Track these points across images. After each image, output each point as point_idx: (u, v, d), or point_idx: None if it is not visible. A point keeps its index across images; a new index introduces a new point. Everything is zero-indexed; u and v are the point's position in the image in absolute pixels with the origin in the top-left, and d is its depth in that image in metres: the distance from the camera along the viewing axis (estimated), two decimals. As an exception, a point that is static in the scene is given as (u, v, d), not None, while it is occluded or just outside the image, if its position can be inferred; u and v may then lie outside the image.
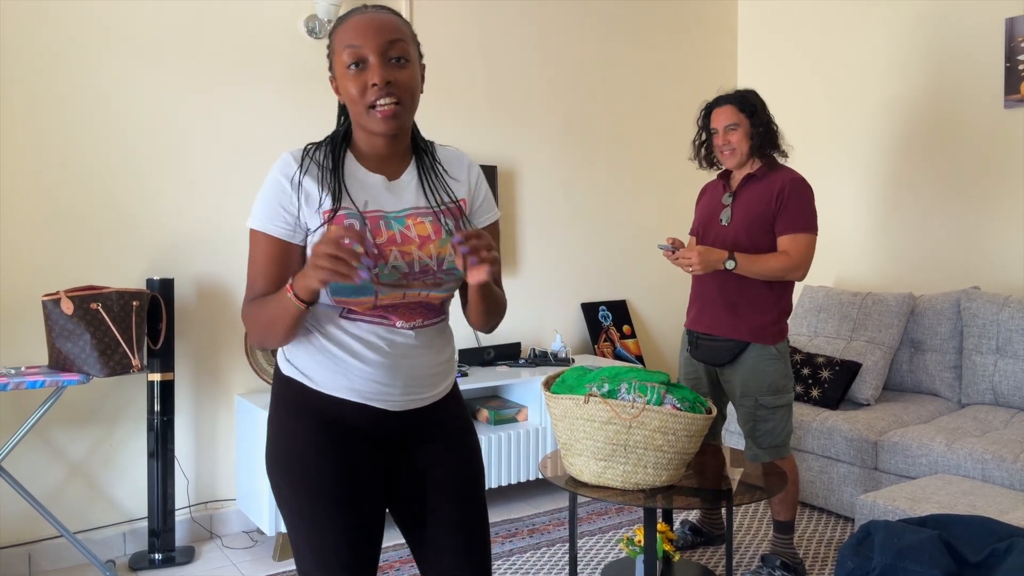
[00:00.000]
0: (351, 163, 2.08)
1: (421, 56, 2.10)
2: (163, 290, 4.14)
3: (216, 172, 4.47)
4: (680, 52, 6.41)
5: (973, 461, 4.09)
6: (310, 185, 2.01)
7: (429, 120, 5.12)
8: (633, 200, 6.18)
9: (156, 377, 4.14)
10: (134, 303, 3.90)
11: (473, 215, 2.20)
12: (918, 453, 4.30)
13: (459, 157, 2.22)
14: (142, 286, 4.19)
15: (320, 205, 2.00)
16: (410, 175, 2.11)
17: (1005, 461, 3.98)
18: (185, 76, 4.38)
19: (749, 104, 3.88)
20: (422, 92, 2.07)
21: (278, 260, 2.03)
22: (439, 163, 2.16)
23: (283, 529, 4.14)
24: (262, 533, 4.48)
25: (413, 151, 2.15)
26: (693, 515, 4.58)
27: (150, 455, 4.17)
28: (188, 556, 4.24)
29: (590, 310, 5.95)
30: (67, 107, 4.08)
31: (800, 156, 5.42)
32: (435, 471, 2.20)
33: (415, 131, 2.17)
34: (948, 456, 4.19)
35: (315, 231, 2.00)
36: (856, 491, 4.55)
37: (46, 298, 3.71)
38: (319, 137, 4.70)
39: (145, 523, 4.28)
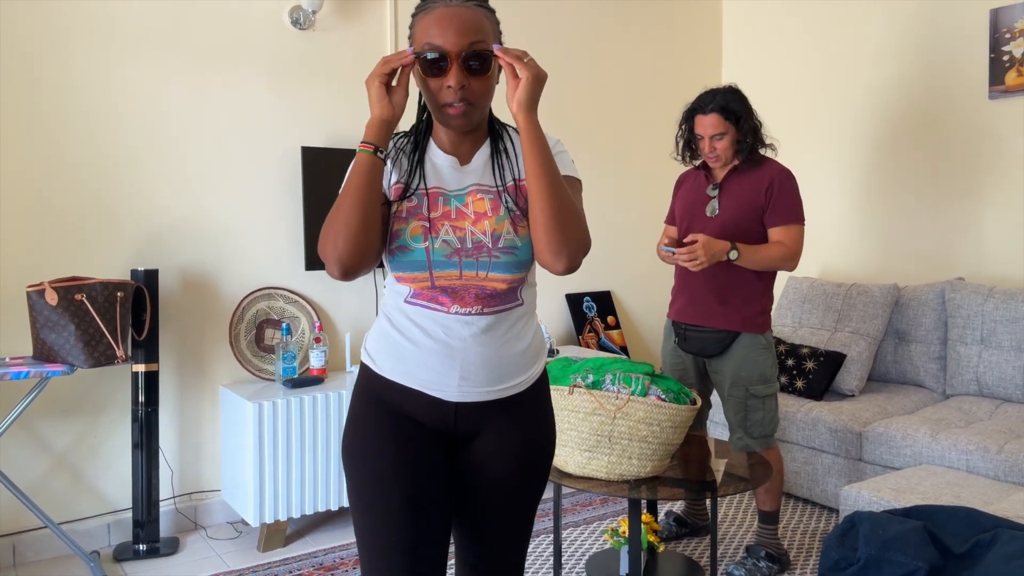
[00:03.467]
0: (430, 147, 2.13)
1: (500, 39, 2.08)
2: (147, 281, 4.13)
3: (201, 163, 4.45)
4: (665, 45, 6.40)
5: (957, 452, 4.11)
6: (390, 165, 2.10)
7: (410, 119, 5.11)
8: (617, 192, 6.18)
9: (140, 368, 4.13)
10: (118, 294, 3.89)
11: None
12: (902, 444, 4.32)
13: None
14: (126, 277, 4.17)
15: (390, 179, 2.09)
16: (480, 157, 2.12)
17: (989, 452, 4.00)
18: (169, 67, 4.35)
19: (734, 113, 3.87)
20: (497, 82, 2.06)
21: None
22: (513, 146, 2.15)
23: (268, 520, 4.15)
24: (246, 524, 4.47)
25: (489, 134, 2.16)
26: (678, 506, 4.59)
27: (134, 446, 4.16)
28: (172, 547, 4.23)
29: (574, 301, 5.95)
30: (51, 100, 4.06)
31: (785, 148, 5.43)
32: (481, 473, 2.16)
33: (491, 116, 2.17)
34: (932, 447, 4.20)
35: (389, 200, 2.08)
36: (840, 482, 4.57)
37: (30, 289, 3.69)
38: (302, 128, 4.74)
39: (129, 514, 4.28)
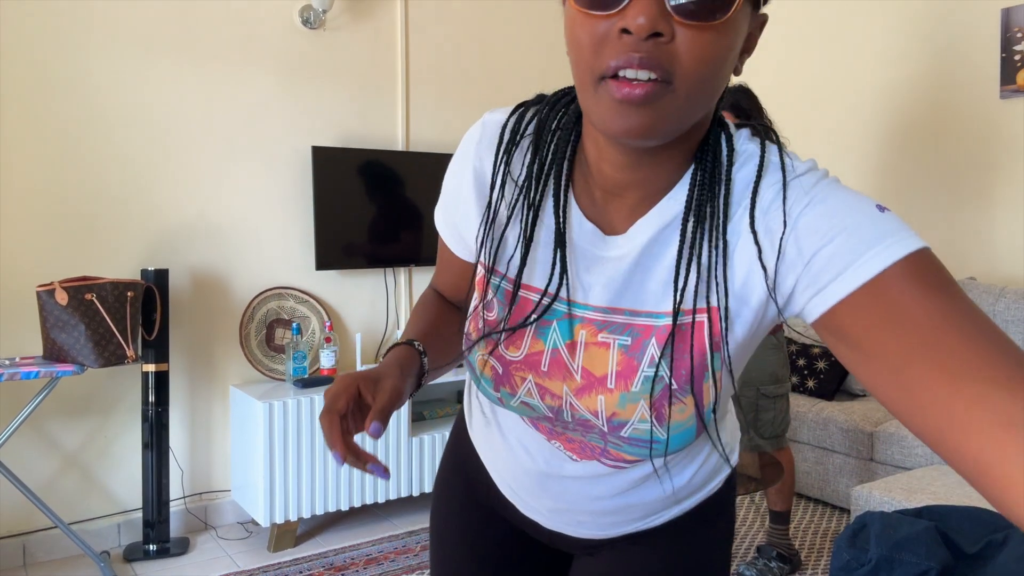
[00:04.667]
0: (561, 184, 1.11)
1: (761, 4, 1.00)
2: (158, 280, 4.13)
3: (210, 162, 4.46)
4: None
5: (968, 452, 4.09)
6: (474, 201, 1.20)
7: (421, 118, 5.11)
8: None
9: (151, 368, 4.13)
10: (129, 293, 3.89)
11: (793, 304, 1.00)
12: (914, 444, 4.30)
13: (788, 193, 1.01)
14: (136, 276, 4.17)
15: (476, 238, 1.21)
16: (643, 234, 1.08)
17: (1000, 452, 3.98)
18: (179, 66, 4.36)
19: (744, 111, 3.86)
20: (748, 52, 1.02)
21: (452, 268, 1.36)
22: (712, 212, 1.04)
23: (278, 520, 4.15)
24: (257, 524, 4.47)
25: (694, 176, 1.06)
26: (688, 506, 4.58)
27: (145, 446, 4.16)
28: (183, 547, 4.23)
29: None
30: (62, 99, 4.06)
31: (795, 147, 5.41)
32: None
33: (712, 139, 1.07)
34: (943, 447, 4.18)
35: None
36: (852, 482, 4.55)
37: (40, 289, 3.69)
38: (312, 127, 4.73)
39: (140, 514, 4.28)
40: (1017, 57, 4.91)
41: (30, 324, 3.98)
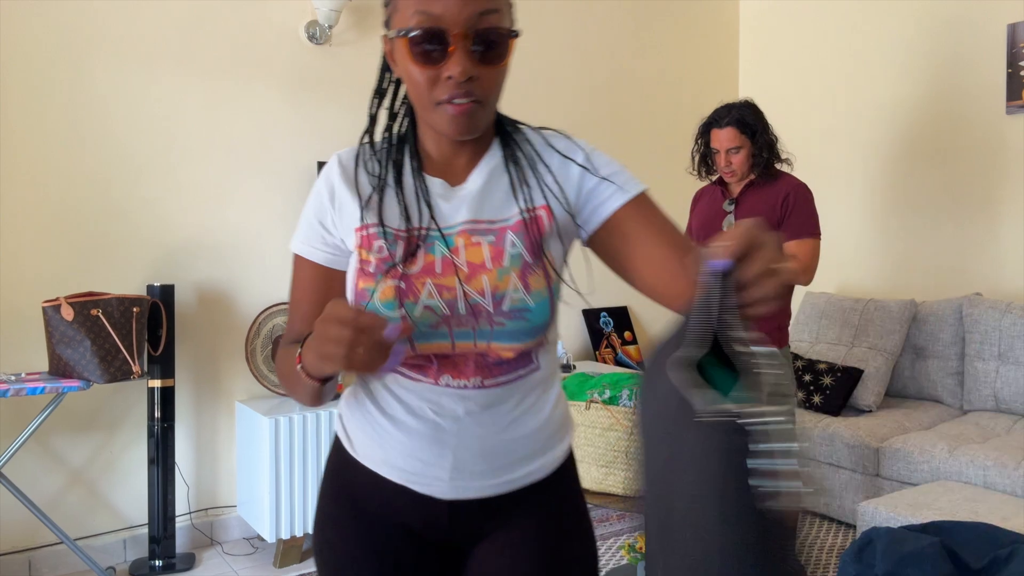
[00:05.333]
0: (407, 162, 1.59)
1: (513, 24, 1.51)
2: (163, 296, 4.14)
3: (217, 178, 4.47)
4: (681, 56, 6.40)
5: (975, 468, 4.08)
6: (347, 196, 1.57)
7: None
8: (634, 206, 6.16)
9: (156, 383, 4.14)
10: (134, 309, 3.90)
11: (580, 214, 1.59)
12: (920, 460, 4.29)
13: (553, 143, 1.62)
14: (142, 292, 4.18)
15: (346, 215, 1.56)
16: (480, 175, 1.56)
17: (1007, 468, 3.97)
18: (186, 82, 4.37)
19: (749, 126, 3.87)
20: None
21: (319, 290, 1.61)
22: (535, 151, 1.60)
23: (284, 536, 4.14)
24: (263, 540, 4.46)
25: (498, 138, 1.61)
26: (694, 522, 4.57)
27: (150, 461, 4.16)
28: (188, 563, 4.23)
29: (591, 316, 5.94)
30: (67, 113, 4.08)
31: (802, 162, 5.41)
32: None
33: (500, 119, 1.63)
34: (950, 463, 4.18)
35: (353, 255, 1.56)
36: (858, 498, 4.54)
37: (46, 304, 3.71)
38: (318, 143, 4.74)
39: (145, 530, 4.28)
40: (1023, 73, 4.92)
41: (36, 340, 3.98)
